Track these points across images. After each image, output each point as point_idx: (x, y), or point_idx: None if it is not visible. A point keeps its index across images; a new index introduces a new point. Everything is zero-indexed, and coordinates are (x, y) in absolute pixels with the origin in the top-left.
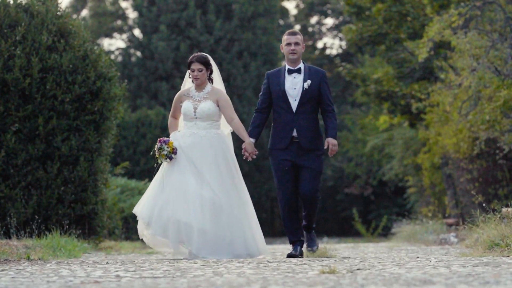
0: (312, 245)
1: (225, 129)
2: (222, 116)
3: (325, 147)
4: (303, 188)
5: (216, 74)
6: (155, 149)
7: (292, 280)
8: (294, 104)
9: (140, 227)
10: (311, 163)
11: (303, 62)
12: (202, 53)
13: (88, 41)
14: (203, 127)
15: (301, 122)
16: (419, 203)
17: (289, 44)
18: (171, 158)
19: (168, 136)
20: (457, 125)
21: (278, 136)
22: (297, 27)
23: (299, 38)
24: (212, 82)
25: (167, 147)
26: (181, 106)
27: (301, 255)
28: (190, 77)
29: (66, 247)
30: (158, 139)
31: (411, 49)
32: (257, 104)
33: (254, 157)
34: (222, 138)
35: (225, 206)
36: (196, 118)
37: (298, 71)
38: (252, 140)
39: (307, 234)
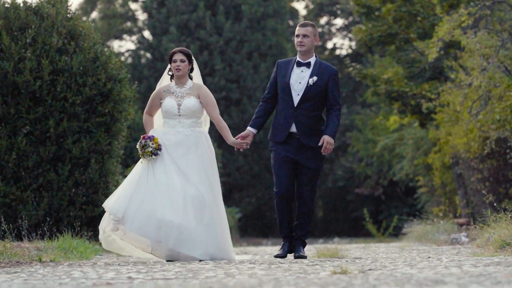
0: (299, 251)
1: (205, 127)
2: (204, 113)
3: (319, 144)
4: (300, 189)
5: (196, 72)
6: (138, 146)
7: (304, 281)
8: (296, 99)
9: (106, 222)
10: (311, 162)
11: (315, 56)
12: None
13: (98, 43)
14: (188, 125)
15: (301, 118)
16: (429, 203)
17: (297, 36)
18: (156, 155)
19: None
20: (468, 124)
21: (277, 128)
22: None
23: (309, 30)
24: (191, 78)
25: (152, 144)
26: (161, 103)
27: (285, 255)
28: (169, 73)
29: (77, 249)
30: (142, 136)
31: (421, 49)
32: (264, 93)
33: (246, 147)
34: (206, 137)
35: (209, 205)
36: (180, 115)
37: (308, 65)
38: (253, 130)
39: (297, 246)
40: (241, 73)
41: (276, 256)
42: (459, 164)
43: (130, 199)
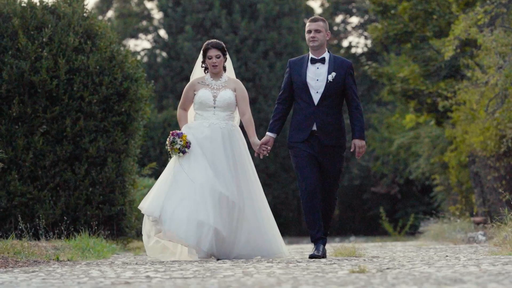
0: (318, 249)
1: (238, 121)
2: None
3: (352, 150)
4: (322, 188)
5: (229, 63)
6: (167, 142)
7: (322, 280)
8: (316, 97)
9: (148, 225)
10: (332, 164)
11: (328, 51)
12: (216, 40)
13: (114, 42)
14: (222, 117)
15: (322, 117)
16: (446, 201)
17: (309, 31)
18: (184, 152)
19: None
20: (484, 123)
21: (297, 129)
22: None
23: (321, 24)
24: (225, 71)
25: (180, 141)
26: (194, 95)
27: (323, 256)
28: (203, 66)
29: (95, 248)
30: (171, 132)
31: (437, 47)
32: (279, 94)
33: (266, 154)
34: (239, 131)
35: (241, 206)
36: (215, 107)
37: (322, 61)
38: (273, 134)
39: (316, 245)
40: (256, 72)
41: (311, 257)
42: (476, 162)
43: (165, 198)
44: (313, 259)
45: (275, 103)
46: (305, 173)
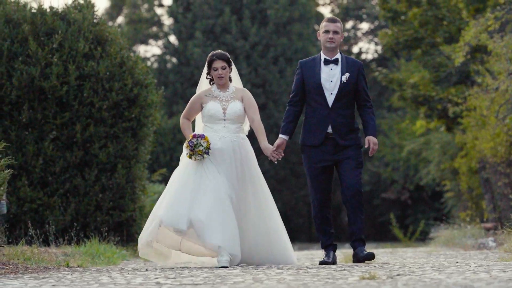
0: (362, 250)
1: (246, 131)
2: (246, 120)
3: (366, 146)
4: (346, 180)
5: (234, 72)
6: (190, 145)
7: (332, 286)
8: (330, 99)
9: (153, 235)
10: (351, 154)
11: (340, 53)
12: (220, 50)
13: (124, 48)
14: (233, 130)
15: (337, 118)
16: (456, 207)
17: (327, 31)
18: (207, 154)
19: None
20: (494, 129)
21: (311, 131)
22: None
23: (339, 26)
24: (231, 81)
25: (204, 142)
26: (202, 107)
27: (334, 262)
28: (208, 77)
29: (105, 254)
30: (192, 135)
31: (447, 53)
32: (290, 96)
33: (280, 158)
34: (249, 143)
35: (247, 210)
36: (226, 120)
37: (335, 62)
38: (285, 137)
39: (358, 246)
40: (266, 78)
41: (322, 263)
42: (486, 168)
43: (189, 208)
44: (323, 266)
45: (287, 105)
46: (317, 182)
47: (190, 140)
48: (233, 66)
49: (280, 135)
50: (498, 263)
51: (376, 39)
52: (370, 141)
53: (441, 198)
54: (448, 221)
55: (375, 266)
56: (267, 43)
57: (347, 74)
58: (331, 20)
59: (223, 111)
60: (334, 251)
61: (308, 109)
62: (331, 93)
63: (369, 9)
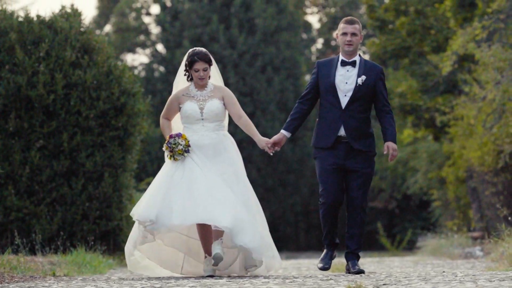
0: (355, 265)
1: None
2: (226, 116)
3: (385, 152)
4: (351, 197)
5: (214, 69)
6: (168, 146)
7: None
8: (344, 100)
9: (136, 240)
10: (362, 166)
11: (359, 55)
12: (201, 48)
13: (112, 57)
14: (212, 128)
15: (349, 121)
16: (443, 216)
17: (345, 34)
18: (187, 152)
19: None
20: (482, 138)
21: (323, 133)
22: (320, 41)
23: (357, 27)
24: (209, 78)
25: (182, 140)
26: (180, 107)
27: (329, 267)
28: (185, 75)
29: (91, 263)
30: (169, 135)
31: (435, 63)
32: (301, 94)
33: (278, 149)
34: (232, 140)
35: (250, 203)
36: (203, 119)
37: (353, 64)
38: (286, 133)
39: (351, 261)
40: (254, 87)
41: (320, 269)
42: (473, 177)
43: (162, 200)
44: (310, 276)
45: (297, 101)
46: (328, 185)
47: (168, 141)
48: (213, 62)
49: (282, 131)
50: (485, 272)
51: (364, 48)
52: (390, 147)
53: (428, 207)
54: (435, 230)
55: (361, 276)
56: (255, 52)
57: (363, 77)
58: (349, 22)
59: (200, 111)
60: (333, 253)
61: (321, 110)
62: (345, 95)
63: (357, 18)
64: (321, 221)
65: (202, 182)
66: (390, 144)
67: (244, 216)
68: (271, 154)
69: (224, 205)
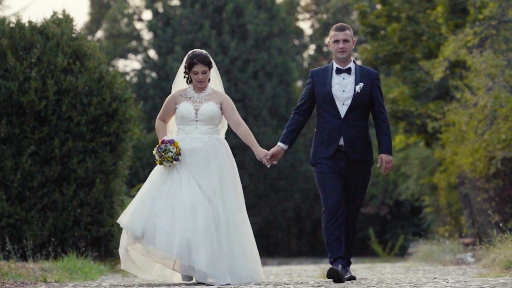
0: (347, 271)
1: (223, 134)
2: (222, 122)
3: (378, 165)
4: (346, 206)
5: (214, 72)
6: (158, 151)
7: None
8: (342, 109)
9: (126, 240)
10: (359, 179)
11: (353, 61)
12: (201, 50)
13: (103, 63)
14: (205, 131)
15: (349, 130)
16: (435, 222)
17: (336, 41)
18: (177, 160)
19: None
20: (473, 144)
21: (323, 144)
22: (312, 47)
23: (349, 33)
24: (209, 81)
25: (173, 148)
26: (175, 108)
27: (343, 275)
28: (185, 77)
29: (82, 270)
30: (161, 140)
31: (427, 69)
32: (297, 105)
33: (275, 162)
34: (225, 145)
35: (224, 223)
36: (197, 121)
37: (348, 71)
38: (284, 146)
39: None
40: (246, 93)
41: (330, 274)
42: (465, 183)
43: (148, 213)
44: (302, 282)
45: (292, 113)
46: (329, 190)
47: (159, 146)
48: (213, 65)
49: (279, 143)
50: (476, 279)
51: (355, 54)
52: (383, 160)
53: (420, 213)
54: (427, 236)
55: (353, 282)
56: (246, 58)
57: (361, 84)
58: (340, 29)
59: (195, 112)
60: (342, 264)
61: (319, 120)
62: (343, 103)
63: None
64: (325, 233)
65: (185, 201)
66: (384, 156)
67: (218, 250)
68: (268, 166)
69: (203, 241)
